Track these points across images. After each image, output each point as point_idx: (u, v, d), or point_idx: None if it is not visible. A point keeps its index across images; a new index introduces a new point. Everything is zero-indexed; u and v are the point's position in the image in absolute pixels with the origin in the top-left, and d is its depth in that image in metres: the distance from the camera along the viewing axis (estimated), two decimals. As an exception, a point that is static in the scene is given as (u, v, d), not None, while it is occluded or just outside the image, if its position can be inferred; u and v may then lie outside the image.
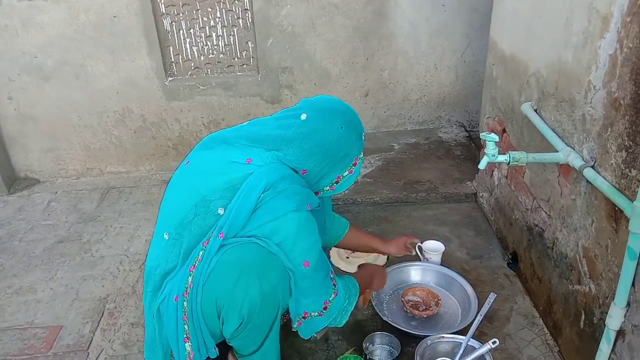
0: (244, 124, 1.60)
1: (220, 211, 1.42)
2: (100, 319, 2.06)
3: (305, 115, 1.50)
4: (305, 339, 1.58)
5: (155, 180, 3.19)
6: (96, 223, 2.75)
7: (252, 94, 3.22)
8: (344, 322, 1.58)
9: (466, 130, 3.41)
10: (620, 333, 1.37)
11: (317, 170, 1.52)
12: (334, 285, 1.53)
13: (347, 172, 1.58)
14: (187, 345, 1.46)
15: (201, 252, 1.42)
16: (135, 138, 3.24)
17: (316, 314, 1.50)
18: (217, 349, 1.49)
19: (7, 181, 3.10)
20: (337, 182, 1.59)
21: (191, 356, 1.47)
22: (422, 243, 2.11)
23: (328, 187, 1.59)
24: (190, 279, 1.42)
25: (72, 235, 2.65)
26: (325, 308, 1.51)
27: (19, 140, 3.15)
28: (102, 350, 1.91)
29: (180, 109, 3.19)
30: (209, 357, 1.50)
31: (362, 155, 1.60)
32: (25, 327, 2.04)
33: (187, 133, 3.26)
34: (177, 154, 3.29)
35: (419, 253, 2.11)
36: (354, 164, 1.58)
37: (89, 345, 1.93)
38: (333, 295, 1.52)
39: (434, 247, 2.14)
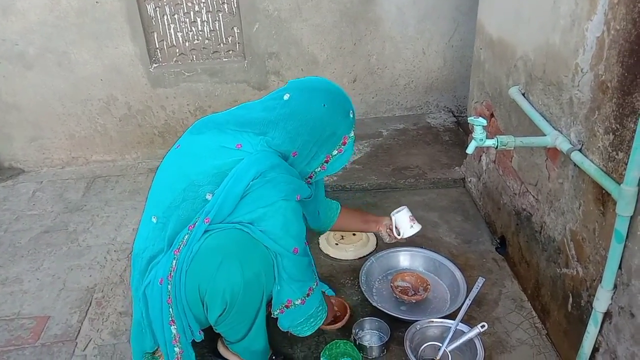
0: (234, 108, 1.59)
1: (209, 196, 1.42)
2: (88, 309, 2.04)
3: (288, 95, 1.49)
4: (283, 330, 1.57)
5: (142, 169, 3.16)
6: (82, 212, 2.72)
7: (238, 81, 3.18)
8: (310, 332, 1.57)
9: (454, 116, 3.41)
10: (607, 315, 1.38)
11: (306, 151, 1.50)
12: (315, 274, 1.56)
13: (336, 152, 1.56)
14: (173, 329, 1.46)
15: (186, 236, 1.42)
16: (120, 126, 3.20)
17: (299, 301, 1.50)
18: (202, 333, 1.49)
19: (-10, 171, 3.06)
20: (327, 162, 1.56)
21: (177, 338, 1.47)
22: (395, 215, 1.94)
23: (319, 168, 1.57)
24: (174, 262, 1.42)
25: (58, 225, 2.62)
26: (308, 295, 1.51)
27: (3, 130, 3.09)
28: (90, 340, 1.89)
29: (166, 96, 3.15)
30: (194, 340, 1.50)
31: (352, 134, 1.58)
32: (12, 318, 2.02)
33: (173, 120, 3.22)
34: (163, 142, 3.26)
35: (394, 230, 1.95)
36: (344, 143, 1.56)
37: (77, 335, 1.92)
38: (315, 284, 1.53)
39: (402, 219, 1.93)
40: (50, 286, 2.18)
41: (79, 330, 1.94)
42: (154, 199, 1.53)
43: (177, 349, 1.49)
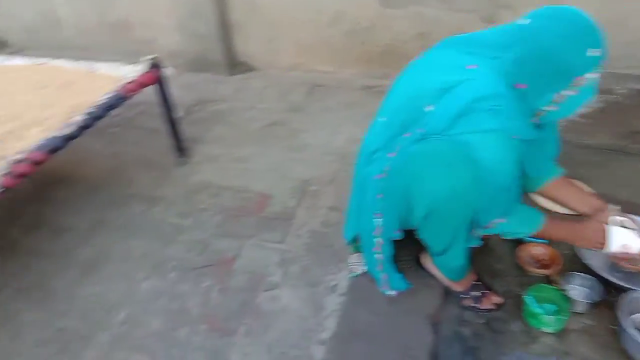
0: (480, 31, 1.54)
1: (428, 108, 1.44)
2: (303, 198, 2.27)
3: (528, 21, 1.38)
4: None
5: (357, 85, 3.26)
6: (303, 114, 2.95)
7: (467, 10, 3.05)
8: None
9: None
10: None
11: (533, 83, 1.38)
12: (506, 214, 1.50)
13: (569, 92, 1.37)
14: (377, 221, 1.59)
15: (401, 142, 1.49)
16: (345, 40, 3.32)
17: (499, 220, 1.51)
18: (399, 232, 1.59)
19: (229, 64, 3.45)
20: (557, 102, 1.40)
21: (379, 231, 1.60)
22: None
23: (549, 107, 1.42)
24: (388, 163, 1.51)
25: (282, 120, 2.90)
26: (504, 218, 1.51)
27: (245, 29, 3.41)
28: (304, 224, 2.12)
29: (394, 17, 3.17)
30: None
31: (592, 76, 1.35)
32: (242, 189, 2.34)
33: (395, 42, 3.24)
34: (381, 63, 3.31)
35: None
36: (578, 84, 1.35)
37: (293, 217, 2.16)
38: (500, 220, 1.50)
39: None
40: (272, 171, 2.46)
41: (295, 214, 2.18)
42: (387, 101, 1.62)
43: (376, 240, 1.62)
